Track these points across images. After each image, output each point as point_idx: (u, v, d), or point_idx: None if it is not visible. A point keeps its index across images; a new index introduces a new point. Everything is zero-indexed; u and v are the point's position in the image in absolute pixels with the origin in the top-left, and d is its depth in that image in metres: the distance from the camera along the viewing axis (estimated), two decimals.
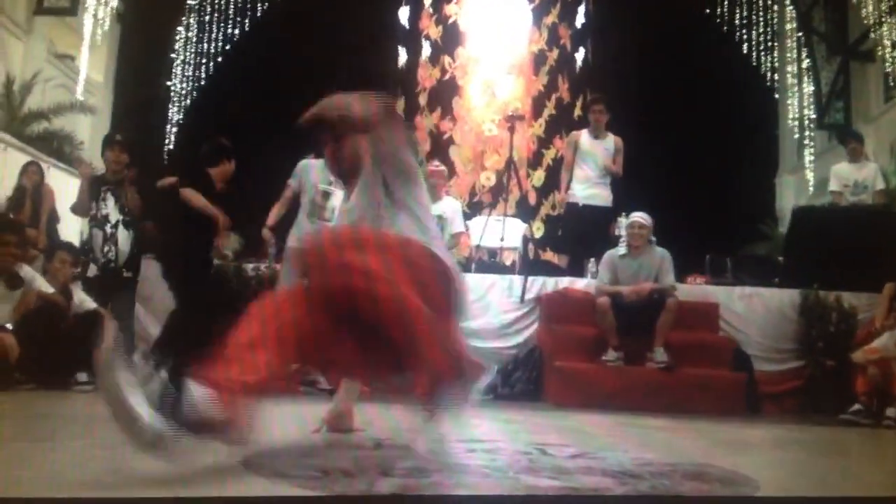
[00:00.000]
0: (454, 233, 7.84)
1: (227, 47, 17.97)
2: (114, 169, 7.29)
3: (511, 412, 6.04)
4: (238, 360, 2.47)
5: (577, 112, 12.11)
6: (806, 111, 18.10)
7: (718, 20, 18.26)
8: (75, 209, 7.37)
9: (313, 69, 14.54)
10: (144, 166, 7.62)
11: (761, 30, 18.78)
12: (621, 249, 7.30)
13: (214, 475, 2.39)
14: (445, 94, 12.23)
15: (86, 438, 3.45)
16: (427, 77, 12.36)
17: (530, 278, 7.74)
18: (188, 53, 18.03)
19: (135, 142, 7.86)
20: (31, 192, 7.94)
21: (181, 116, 17.78)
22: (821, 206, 11.02)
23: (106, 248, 7.02)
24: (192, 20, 17.96)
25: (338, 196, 6.73)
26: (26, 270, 6.18)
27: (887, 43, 14.76)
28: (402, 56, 12.66)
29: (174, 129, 17.72)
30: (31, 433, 3.66)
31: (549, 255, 10.88)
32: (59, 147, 13.17)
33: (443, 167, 8.44)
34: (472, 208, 10.94)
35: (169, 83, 17.73)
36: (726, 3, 18.28)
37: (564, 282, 7.83)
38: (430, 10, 12.54)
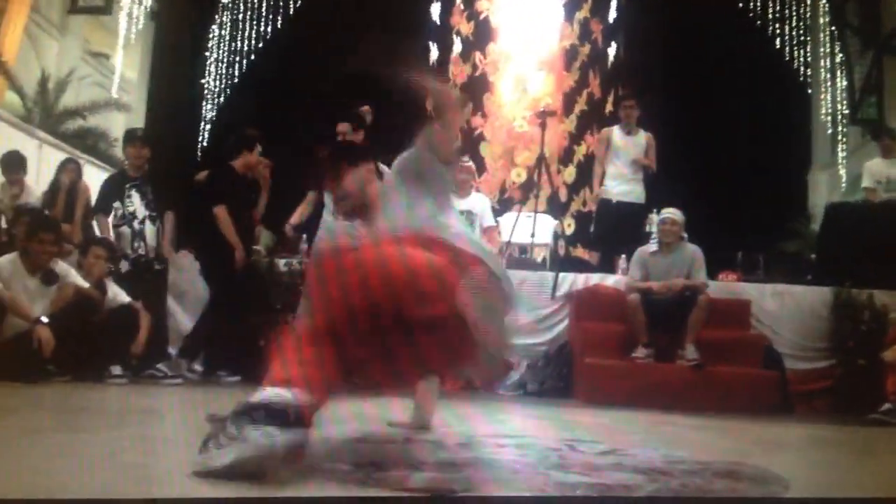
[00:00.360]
0: (485, 227, 7.87)
1: (261, 45, 18.04)
2: (136, 164, 7.40)
3: (541, 408, 6.06)
4: (295, 362, 2.55)
5: (609, 108, 12.06)
6: (839, 106, 17.91)
7: (751, 14, 18.10)
8: (96, 209, 7.50)
9: (345, 66, 14.61)
10: (178, 162, 7.73)
11: (794, 24, 18.60)
12: (653, 246, 7.29)
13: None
14: (476, 90, 12.21)
15: (121, 430, 3.51)
16: (458, 73, 12.34)
17: (561, 275, 7.75)
18: (221, 51, 18.11)
19: (157, 137, 7.99)
20: (68, 189, 8.04)
21: (215, 114, 17.87)
22: (854, 203, 10.90)
23: (136, 244, 7.13)
24: (225, 18, 18.04)
25: None
26: (61, 266, 6.27)
27: None
28: (433, 52, 12.65)
29: (208, 127, 17.81)
30: (68, 425, 3.71)
31: (580, 252, 10.86)
32: (93, 144, 13.31)
33: (471, 163, 8.46)
34: (503, 205, 10.93)
35: (203, 81, 17.82)
36: None
37: (595, 278, 7.84)
38: (462, 6, 12.52)
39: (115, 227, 7.22)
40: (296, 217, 7.23)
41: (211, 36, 17.91)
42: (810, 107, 18.95)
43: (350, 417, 3.70)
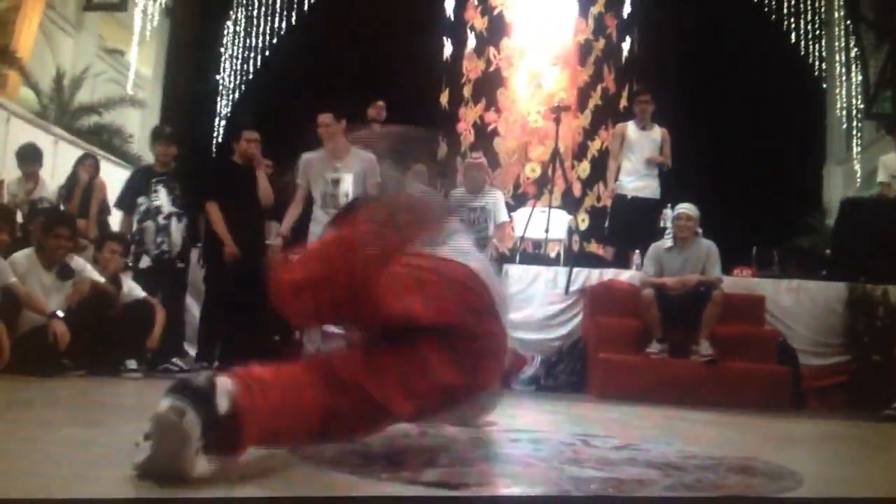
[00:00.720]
0: (499, 223, 7.88)
1: (275, 41, 18.09)
2: (163, 161, 7.44)
3: (554, 403, 6.06)
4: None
5: (623, 103, 12.05)
6: (854, 101, 17.83)
7: (766, 9, 18.05)
8: (118, 204, 7.55)
9: (359, 62, 14.65)
10: (193, 159, 7.76)
11: (809, 18, 18.54)
12: (667, 241, 7.28)
13: (260, 460, 2.42)
14: (490, 85, 12.23)
15: (137, 424, 3.53)
16: (472, 68, 12.36)
17: (575, 270, 7.75)
18: (236, 47, 18.18)
19: (183, 134, 8.03)
20: (84, 184, 8.08)
21: (229, 110, 17.94)
22: (869, 198, 10.85)
23: (159, 240, 7.15)
24: (239, 14, 18.11)
25: (348, 180, 6.79)
26: (77, 261, 6.31)
27: None
28: (447, 47, 12.66)
29: (222, 123, 17.88)
30: (84, 419, 3.73)
31: (594, 247, 10.86)
32: (109, 140, 13.38)
33: (482, 159, 8.46)
34: (517, 200, 10.94)
35: (217, 77, 17.89)
36: None
37: (609, 274, 7.83)
38: (476, 1, 12.54)
39: (140, 221, 7.24)
40: (287, 224, 7.13)
41: (225, 32, 18.01)
42: (825, 101, 18.87)
43: None
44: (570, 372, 7.28)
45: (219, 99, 17.92)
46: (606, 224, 9.72)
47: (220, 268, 6.91)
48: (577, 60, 12.27)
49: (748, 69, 15.92)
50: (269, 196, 7.24)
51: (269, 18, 18.12)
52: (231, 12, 18.09)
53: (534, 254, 9.05)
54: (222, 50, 18.03)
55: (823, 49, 18.56)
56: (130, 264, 6.98)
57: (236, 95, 18.16)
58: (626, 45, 12.57)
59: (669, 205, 7.96)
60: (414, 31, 13.68)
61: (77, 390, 5.14)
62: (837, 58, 18.38)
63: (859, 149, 17.65)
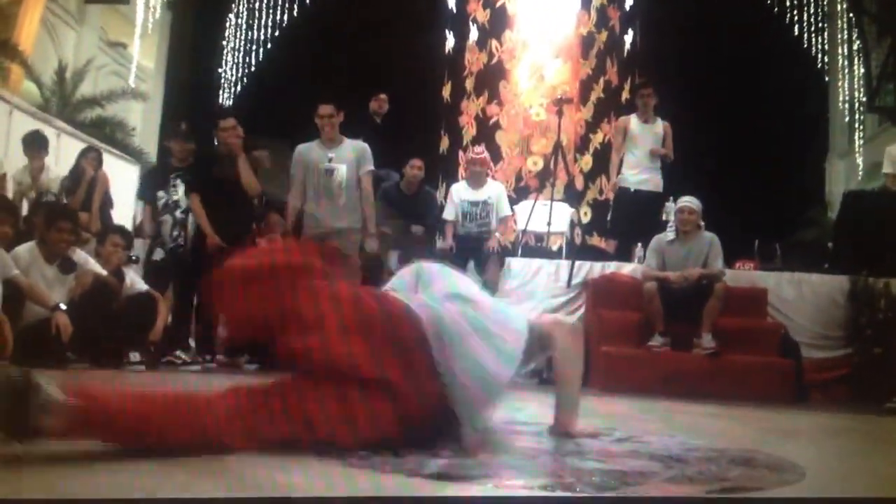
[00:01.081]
0: (501, 216, 7.89)
1: (277, 33, 18.08)
2: (180, 157, 7.50)
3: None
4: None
5: (625, 96, 12.04)
6: (856, 94, 17.82)
7: (769, 1, 18.03)
8: (140, 195, 7.62)
9: (361, 55, 14.64)
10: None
11: (812, 11, 18.52)
12: (669, 234, 7.27)
13: (264, 450, 2.42)
14: (492, 77, 12.23)
15: None
16: (474, 61, 12.35)
17: (577, 263, 7.75)
18: (238, 40, 18.18)
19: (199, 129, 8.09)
20: (89, 178, 8.10)
21: (231, 102, 17.93)
22: (871, 191, 10.86)
23: (175, 233, 7.20)
24: (241, 7, 18.10)
25: (342, 170, 6.81)
26: (79, 254, 6.32)
27: None
28: (450, 40, 12.65)
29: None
30: None
31: (596, 240, 10.86)
32: (111, 133, 13.38)
33: (484, 154, 8.48)
34: (519, 193, 10.94)
35: (219, 70, 17.88)
36: None
37: (611, 267, 7.83)
38: None
39: (158, 215, 7.31)
40: (291, 217, 7.15)
41: (227, 25, 17.99)
42: (828, 95, 18.86)
43: None
44: None
45: (221, 91, 17.91)
46: (608, 217, 9.72)
47: (206, 259, 6.80)
48: (579, 53, 12.26)
49: (751, 62, 15.90)
50: (252, 184, 7.15)
51: (270, 11, 18.12)
52: (233, 5, 18.09)
53: (536, 247, 9.04)
54: (224, 43, 18.02)
55: (826, 42, 18.54)
56: (134, 257, 7.01)
57: (238, 88, 18.15)
58: (628, 38, 12.56)
59: (672, 198, 7.96)
60: (416, 23, 13.68)
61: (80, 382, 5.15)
62: (840, 51, 18.37)
63: (861, 142, 17.65)
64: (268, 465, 2.31)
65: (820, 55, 18.56)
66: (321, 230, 6.93)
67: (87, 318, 5.89)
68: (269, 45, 18.13)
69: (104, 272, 6.36)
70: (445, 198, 8.89)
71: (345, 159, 6.88)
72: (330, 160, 6.84)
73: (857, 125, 17.89)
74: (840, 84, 18.36)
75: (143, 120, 16.24)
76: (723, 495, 2.30)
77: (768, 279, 7.72)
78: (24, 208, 8.05)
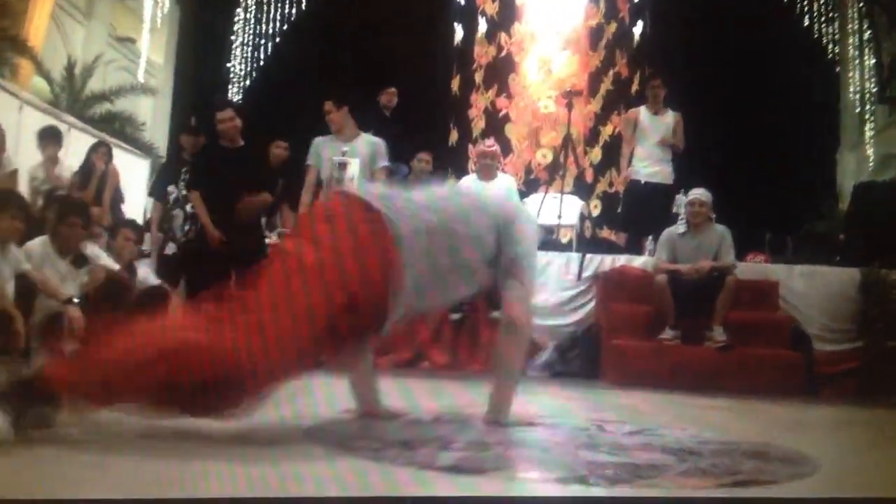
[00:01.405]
0: None
1: (286, 27, 18.06)
2: (192, 151, 7.54)
3: (568, 389, 6.07)
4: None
5: (635, 87, 12.00)
6: (867, 84, 17.72)
7: None
8: (152, 192, 7.65)
9: (370, 49, 14.61)
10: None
11: (822, 1, 18.42)
12: (680, 227, 7.24)
13: (277, 444, 2.43)
14: (502, 70, 12.21)
15: None
16: (483, 54, 12.32)
17: (587, 256, 7.74)
18: (247, 34, 18.16)
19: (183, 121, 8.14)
20: (100, 173, 8.13)
21: (241, 97, 17.92)
22: (882, 182, 10.83)
23: (186, 227, 7.23)
24: (250, 1, 18.08)
25: (354, 164, 6.79)
26: (91, 249, 6.33)
27: None
28: (459, 33, 12.62)
29: None
30: None
31: (607, 233, 10.84)
32: (120, 128, 13.41)
33: (495, 147, 8.46)
34: (529, 186, 10.92)
35: (228, 64, 17.89)
36: None
37: (622, 260, 7.81)
38: None
39: (170, 209, 7.35)
40: (304, 209, 7.12)
41: (236, 19, 17.97)
42: (838, 85, 18.75)
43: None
44: (583, 358, 7.28)
45: (230, 86, 17.91)
46: (619, 210, 9.70)
47: (209, 252, 6.72)
48: (588, 45, 12.22)
49: (761, 53, 15.82)
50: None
51: (279, 5, 18.09)
52: None
53: (546, 240, 9.03)
54: (233, 37, 18.01)
55: (836, 32, 18.43)
56: (147, 252, 7.04)
57: (247, 83, 18.15)
58: (637, 30, 12.51)
59: (683, 190, 7.93)
60: (425, 16, 13.65)
61: None
62: (851, 41, 18.25)
63: (872, 133, 17.55)
64: (274, 457, 2.32)
65: (831, 45, 18.45)
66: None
67: (100, 312, 5.91)
68: (277, 40, 18.12)
69: (117, 267, 6.37)
70: None
71: (358, 153, 6.87)
72: (343, 154, 6.84)
73: (867, 116, 17.78)
74: (850, 75, 18.24)
75: (153, 115, 16.27)
76: (735, 494, 2.30)
77: (780, 272, 7.68)
78: (40, 203, 8.07)
